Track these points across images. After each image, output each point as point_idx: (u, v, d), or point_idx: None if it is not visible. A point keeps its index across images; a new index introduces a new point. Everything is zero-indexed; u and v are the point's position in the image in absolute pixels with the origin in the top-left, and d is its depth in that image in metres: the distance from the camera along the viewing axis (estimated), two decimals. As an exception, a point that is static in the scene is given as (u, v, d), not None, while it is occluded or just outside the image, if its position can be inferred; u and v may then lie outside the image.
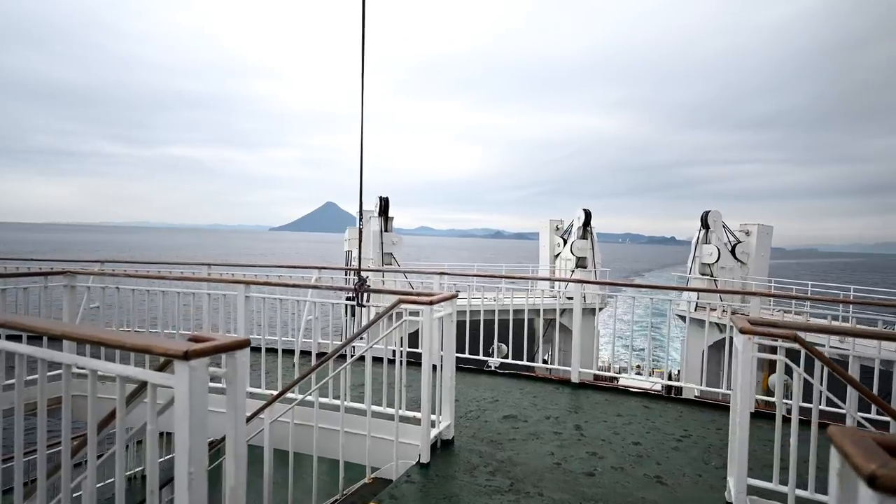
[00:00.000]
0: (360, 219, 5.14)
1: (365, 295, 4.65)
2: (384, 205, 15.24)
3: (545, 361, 20.14)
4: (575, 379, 5.70)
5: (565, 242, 19.15)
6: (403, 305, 3.78)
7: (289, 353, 5.14)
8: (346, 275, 13.56)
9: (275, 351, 4.83)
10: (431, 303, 3.71)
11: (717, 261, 16.08)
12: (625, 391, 5.62)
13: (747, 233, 17.42)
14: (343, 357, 4.01)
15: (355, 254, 16.15)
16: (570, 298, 6.19)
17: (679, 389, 7.24)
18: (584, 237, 18.13)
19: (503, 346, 6.78)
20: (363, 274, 4.86)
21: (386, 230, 15.31)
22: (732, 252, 16.84)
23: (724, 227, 16.94)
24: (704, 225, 16.51)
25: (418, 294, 3.87)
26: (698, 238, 16.62)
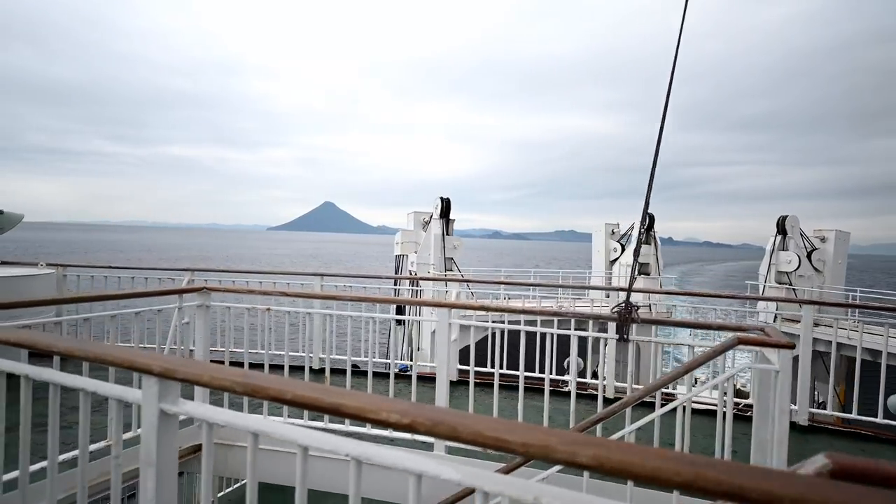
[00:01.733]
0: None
1: (631, 326, 3.57)
2: (446, 206, 14.13)
3: (594, 375, 19.12)
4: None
5: (623, 248, 18.11)
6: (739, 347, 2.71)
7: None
8: (410, 285, 12.49)
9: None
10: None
11: (796, 269, 15.06)
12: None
13: (823, 239, 16.43)
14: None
15: (413, 258, 15.09)
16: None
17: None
18: (647, 242, 17.08)
19: (580, 360, 5.70)
20: (631, 298, 3.76)
21: (447, 233, 14.20)
22: (808, 259, 15.85)
23: (802, 233, 15.94)
24: (781, 231, 15.49)
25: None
26: (774, 245, 15.59)
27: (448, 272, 14.02)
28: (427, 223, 15.71)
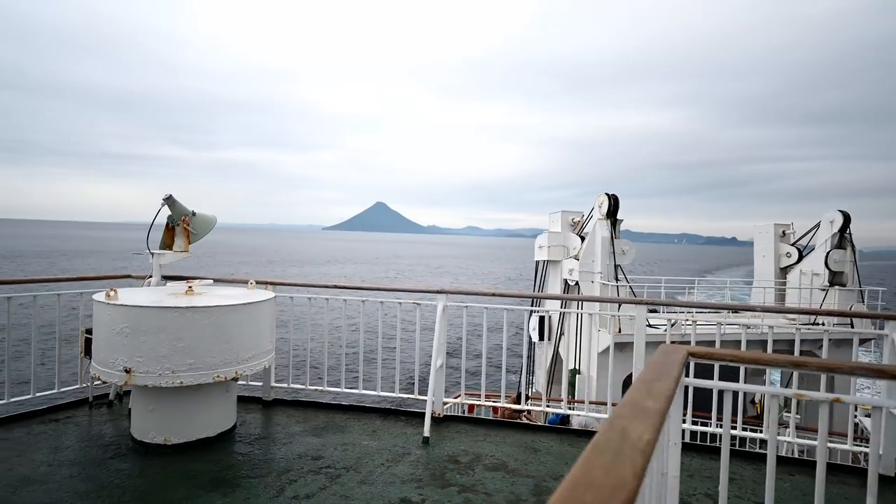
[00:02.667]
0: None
1: None
2: (613, 203, 11.93)
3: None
4: None
5: (800, 253, 15.27)
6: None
7: None
8: (564, 306, 10.29)
9: None
10: None
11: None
12: None
13: None
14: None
15: (569, 265, 13.03)
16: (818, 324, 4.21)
17: None
18: (840, 246, 14.21)
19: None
20: None
21: (615, 236, 11.98)
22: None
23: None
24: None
25: None
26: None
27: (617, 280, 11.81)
28: (578, 224, 13.56)
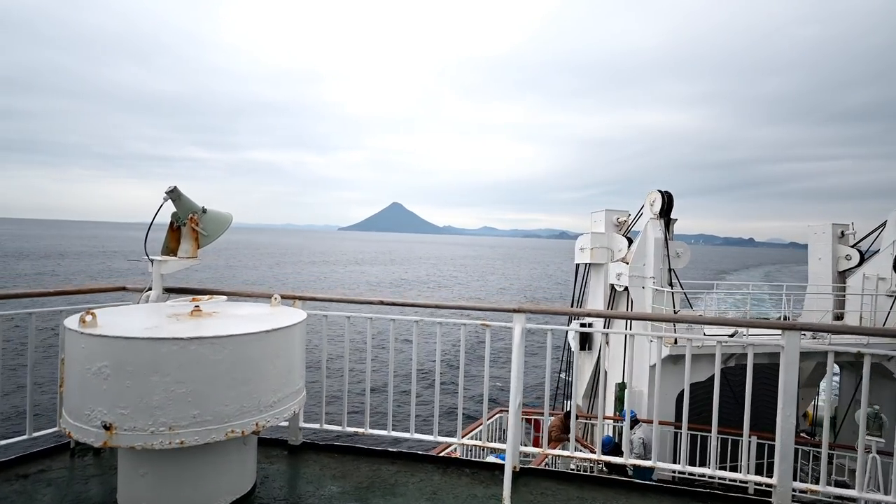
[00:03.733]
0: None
1: None
2: (667, 201, 10.76)
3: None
4: None
5: (862, 255, 14.00)
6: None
7: None
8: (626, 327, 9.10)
9: None
10: None
11: None
12: None
13: None
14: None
15: (617, 270, 11.90)
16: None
17: None
18: (911, 248, 12.92)
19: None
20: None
21: (669, 237, 10.83)
22: None
23: None
24: None
25: None
26: None
27: (669, 286, 10.65)
28: (624, 224, 12.42)
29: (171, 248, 4.07)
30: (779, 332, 3.30)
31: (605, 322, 11.47)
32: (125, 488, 2.88)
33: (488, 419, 10.26)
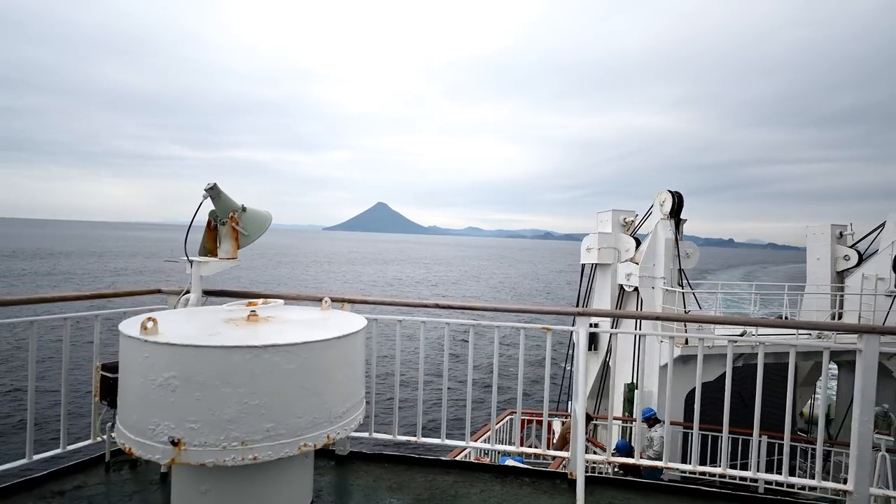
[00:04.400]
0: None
1: None
2: (678, 202, 10.74)
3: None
4: None
5: (860, 256, 14.16)
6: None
7: None
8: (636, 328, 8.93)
9: None
10: None
11: None
12: None
13: None
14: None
15: (627, 270, 11.83)
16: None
17: None
18: (910, 249, 13.08)
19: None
20: None
21: (679, 238, 10.81)
22: None
23: None
24: None
25: None
26: None
27: (679, 286, 10.64)
28: (630, 224, 12.40)
29: (208, 249, 3.88)
30: (855, 334, 3.21)
31: (613, 322, 11.43)
32: None
33: (497, 423, 10.14)
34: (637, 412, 10.83)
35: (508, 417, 10.15)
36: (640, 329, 10.32)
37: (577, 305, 13.23)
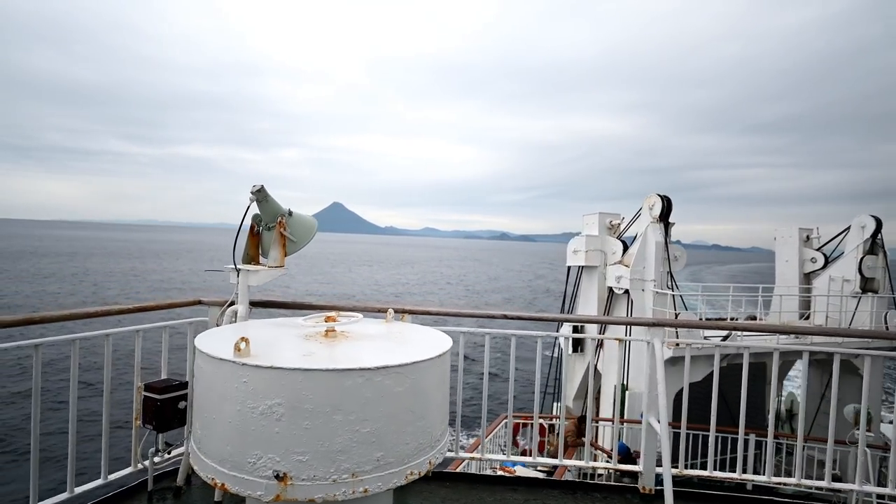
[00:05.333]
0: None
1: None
2: (667, 205, 10.95)
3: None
4: None
5: (827, 259, 14.87)
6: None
7: None
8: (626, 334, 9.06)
9: None
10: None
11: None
12: None
13: None
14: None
15: (617, 272, 11.94)
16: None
17: None
18: (872, 252, 13.82)
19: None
20: None
21: (668, 241, 11.02)
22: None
23: None
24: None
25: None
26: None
27: (668, 290, 10.85)
28: (616, 227, 12.57)
29: (251, 256, 3.59)
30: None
31: (600, 327, 11.56)
32: None
33: (493, 428, 10.03)
34: (627, 413, 10.96)
35: (503, 422, 10.07)
36: (630, 334, 10.43)
37: (563, 307, 13.30)
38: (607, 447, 10.04)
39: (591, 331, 11.34)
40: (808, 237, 15.36)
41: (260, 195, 3.37)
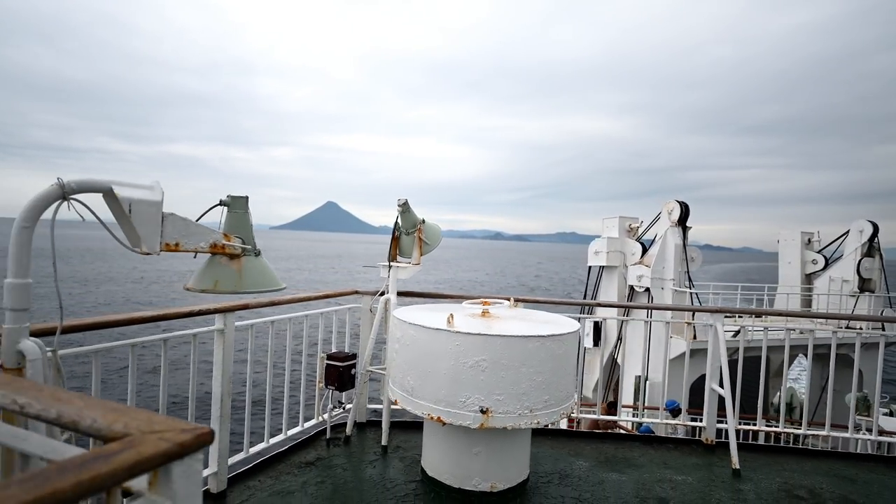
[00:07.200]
0: None
1: None
2: (684, 211, 11.92)
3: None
4: None
5: (827, 261, 15.89)
6: None
7: None
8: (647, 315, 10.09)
9: None
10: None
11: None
12: None
13: None
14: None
15: (638, 272, 12.90)
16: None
17: None
18: (869, 254, 14.85)
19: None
20: None
21: (686, 244, 11.99)
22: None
23: None
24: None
25: None
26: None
27: (685, 288, 11.81)
28: (635, 230, 13.53)
29: (393, 256, 4.48)
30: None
31: (623, 316, 12.50)
32: (454, 465, 3.32)
33: None
34: (646, 402, 11.88)
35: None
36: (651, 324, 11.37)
37: (583, 310, 14.27)
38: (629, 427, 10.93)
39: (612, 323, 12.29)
40: (809, 240, 16.38)
41: (404, 207, 4.26)
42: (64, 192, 1.80)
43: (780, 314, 4.89)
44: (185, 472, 1.07)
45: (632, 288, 12.94)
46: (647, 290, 12.15)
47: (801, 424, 4.93)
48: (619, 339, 13.02)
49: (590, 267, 13.99)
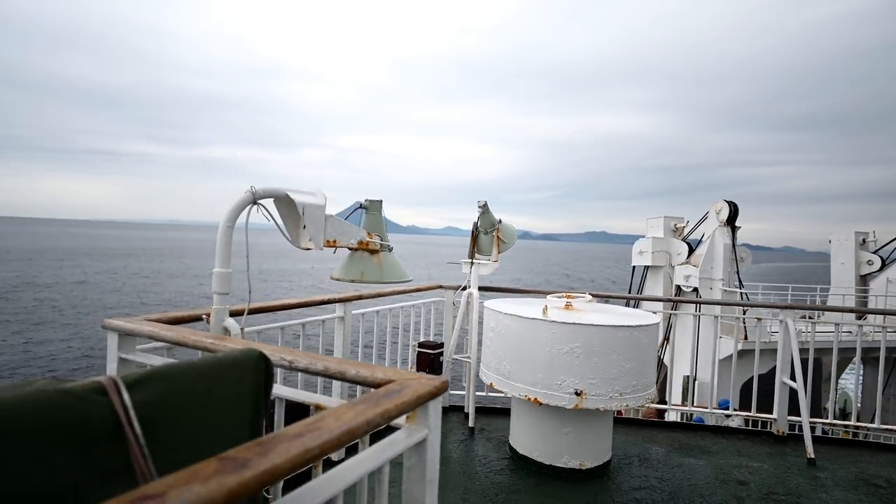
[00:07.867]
0: None
1: None
2: (733, 211, 11.88)
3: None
4: None
5: (884, 262, 15.47)
6: None
7: None
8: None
9: None
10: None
11: None
12: None
13: None
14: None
15: (685, 272, 12.92)
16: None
17: None
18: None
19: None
20: None
21: (735, 244, 11.95)
22: None
23: None
24: None
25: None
26: None
27: (735, 288, 11.77)
28: (680, 230, 13.51)
29: (472, 253, 4.80)
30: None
31: (673, 306, 12.51)
32: (544, 444, 3.60)
33: None
34: (694, 402, 11.87)
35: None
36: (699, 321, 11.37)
37: (627, 303, 14.31)
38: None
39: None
40: (863, 240, 15.97)
41: (484, 208, 4.57)
42: (255, 198, 2.17)
43: (863, 312, 4.97)
44: (435, 410, 1.41)
45: (679, 288, 12.94)
46: (696, 289, 12.14)
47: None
48: (666, 338, 13.05)
49: (633, 267, 14.03)
